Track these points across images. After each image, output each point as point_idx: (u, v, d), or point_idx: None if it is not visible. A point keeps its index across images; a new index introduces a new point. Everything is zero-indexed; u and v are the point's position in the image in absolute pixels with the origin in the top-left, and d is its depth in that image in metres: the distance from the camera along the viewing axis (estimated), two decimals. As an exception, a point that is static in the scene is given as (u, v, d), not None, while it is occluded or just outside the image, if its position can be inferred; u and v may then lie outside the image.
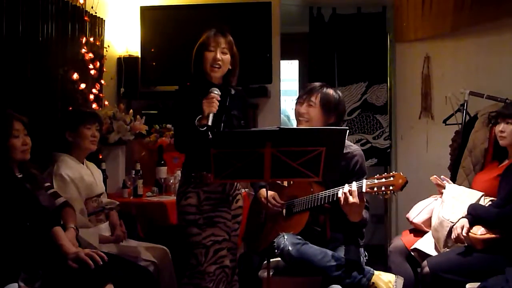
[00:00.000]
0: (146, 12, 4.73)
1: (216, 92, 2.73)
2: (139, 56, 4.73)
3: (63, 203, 2.87)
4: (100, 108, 4.20)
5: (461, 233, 2.87)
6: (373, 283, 2.66)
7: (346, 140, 2.55)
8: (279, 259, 2.78)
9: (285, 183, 3.00)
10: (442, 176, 3.33)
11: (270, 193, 2.88)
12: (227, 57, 2.84)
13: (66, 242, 2.52)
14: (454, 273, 2.81)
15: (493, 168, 3.28)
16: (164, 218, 3.66)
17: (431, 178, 3.31)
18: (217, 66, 2.81)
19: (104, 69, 4.46)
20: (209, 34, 2.84)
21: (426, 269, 2.89)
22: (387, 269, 3.00)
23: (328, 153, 2.39)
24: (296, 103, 2.94)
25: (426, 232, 3.25)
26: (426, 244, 3.15)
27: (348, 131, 2.48)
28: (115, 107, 4.25)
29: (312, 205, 2.77)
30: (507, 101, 3.94)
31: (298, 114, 2.91)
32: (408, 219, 3.40)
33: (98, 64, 4.30)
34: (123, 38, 4.73)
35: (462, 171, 3.68)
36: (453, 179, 3.63)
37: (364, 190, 2.57)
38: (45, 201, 2.74)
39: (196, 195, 2.82)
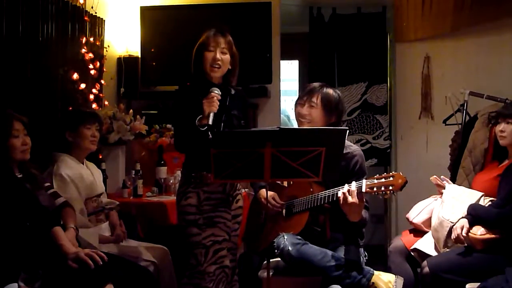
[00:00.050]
0: (146, 12, 4.73)
1: (216, 91, 2.73)
2: (139, 56, 4.73)
3: (63, 203, 2.87)
4: (100, 108, 4.20)
5: (461, 233, 2.87)
6: (373, 283, 2.66)
7: (346, 140, 2.55)
8: (279, 259, 2.78)
9: (285, 183, 3.00)
10: (442, 176, 3.33)
11: (270, 193, 2.88)
12: (227, 57, 2.84)
13: (66, 242, 2.52)
14: (454, 273, 2.81)
15: (493, 168, 3.28)
16: (164, 218, 3.66)
17: (431, 178, 3.31)
18: (216, 66, 2.82)
19: (104, 69, 4.46)
20: (208, 34, 2.84)
21: (426, 269, 2.89)
22: (387, 269, 3.00)
23: (328, 153, 2.39)
24: (297, 105, 2.94)
25: (426, 232, 3.25)
26: (426, 244, 3.15)
27: (348, 131, 2.48)
28: (115, 107, 4.25)
29: (312, 205, 2.77)
30: (507, 101, 3.94)
31: (299, 116, 2.91)
32: (408, 219, 3.40)
33: (98, 64, 4.30)
34: (123, 38, 4.73)
35: (462, 171, 3.68)
36: (453, 179, 3.63)
37: (363, 190, 2.57)
38: (45, 201, 2.74)
39: (196, 195, 2.82)
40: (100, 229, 3.17)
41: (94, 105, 4.17)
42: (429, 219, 3.25)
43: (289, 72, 6.44)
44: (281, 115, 5.22)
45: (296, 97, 3.04)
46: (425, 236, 3.23)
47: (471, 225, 2.89)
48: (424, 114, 4.98)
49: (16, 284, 2.27)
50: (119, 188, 4.02)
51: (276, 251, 2.71)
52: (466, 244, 2.90)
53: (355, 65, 4.98)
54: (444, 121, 4.39)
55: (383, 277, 2.69)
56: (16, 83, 3.32)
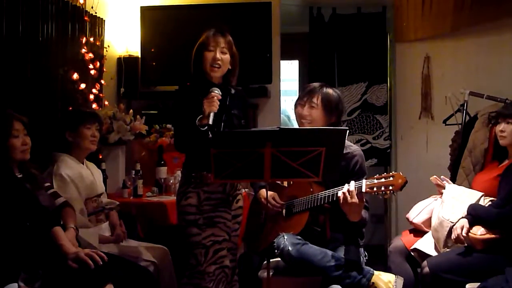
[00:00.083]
0: (146, 12, 4.73)
1: (216, 91, 2.73)
2: (139, 56, 4.73)
3: (63, 203, 2.87)
4: (100, 108, 4.20)
5: (461, 233, 2.87)
6: (373, 283, 2.66)
7: (346, 140, 2.55)
8: (279, 259, 2.78)
9: (285, 183, 3.00)
10: (442, 176, 3.33)
11: (270, 193, 2.88)
12: (227, 56, 2.84)
13: (66, 242, 2.52)
14: (454, 273, 2.81)
15: (493, 168, 3.28)
16: (164, 218, 3.66)
17: (431, 178, 3.31)
18: (216, 66, 2.82)
19: (104, 69, 4.46)
20: (208, 34, 2.84)
21: (426, 269, 2.89)
22: (387, 269, 3.00)
23: (328, 153, 2.39)
24: (297, 105, 2.93)
25: (426, 232, 3.25)
26: (426, 244, 3.15)
27: (348, 131, 2.48)
28: (115, 107, 4.25)
29: (312, 205, 2.77)
30: (507, 101, 3.94)
31: (300, 117, 2.90)
32: (408, 219, 3.40)
33: (98, 64, 4.30)
34: (123, 38, 4.73)
35: (462, 171, 3.68)
36: (453, 179, 3.63)
37: (363, 190, 2.57)
38: (45, 201, 2.74)
39: (196, 195, 2.82)
40: (100, 229, 3.17)
41: (94, 105, 4.17)
42: (429, 219, 3.25)
43: (289, 72, 6.43)
44: (281, 115, 5.22)
45: (296, 97, 3.03)
46: (425, 236, 3.23)
47: (471, 225, 2.89)
48: (424, 114, 4.98)
49: (16, 284, 2.27)
50: (119, 188, 4.02)
51: (276, 251, 2.71)
52: (466, 244, 2.90)
53: (355, 65, 4.98)
54: (444, 121, 4.39)
55: (383, 277, 2.69)
56: (16, 83, 3.32)
